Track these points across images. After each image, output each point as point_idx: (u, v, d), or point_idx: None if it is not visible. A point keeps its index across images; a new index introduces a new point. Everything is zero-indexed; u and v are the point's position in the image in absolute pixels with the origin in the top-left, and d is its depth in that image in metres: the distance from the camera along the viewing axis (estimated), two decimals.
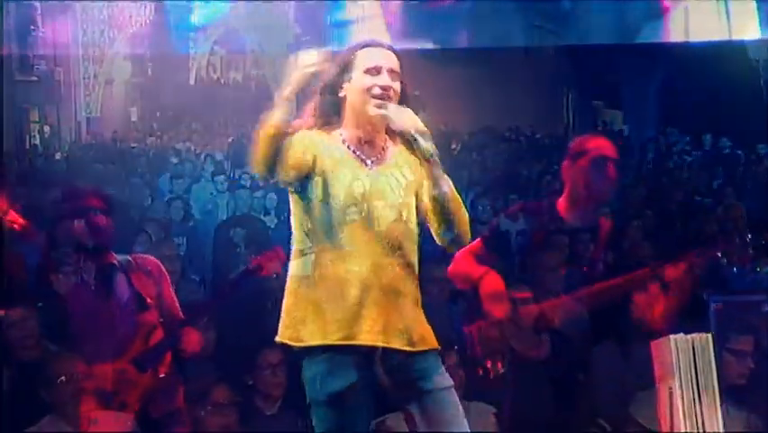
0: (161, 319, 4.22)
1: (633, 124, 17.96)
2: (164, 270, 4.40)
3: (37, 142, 21.12)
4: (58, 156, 16.35)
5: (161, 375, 4.10)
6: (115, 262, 4.25)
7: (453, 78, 18.73)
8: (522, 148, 16.41)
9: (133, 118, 24.05)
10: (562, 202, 4.17)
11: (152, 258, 4.48)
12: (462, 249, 4.19)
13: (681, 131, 15.49)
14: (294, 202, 3.20)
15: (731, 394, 4.10)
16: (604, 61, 17.58)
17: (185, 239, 7.98)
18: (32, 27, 18.58)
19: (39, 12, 18.27)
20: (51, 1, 17.92)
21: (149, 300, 4.20)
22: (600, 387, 4.55)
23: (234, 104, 23.47)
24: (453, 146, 17.19)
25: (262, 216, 8.73)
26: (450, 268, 4.30)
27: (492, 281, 4.05)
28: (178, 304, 4.34)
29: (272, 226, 8.37)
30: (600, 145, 4.15)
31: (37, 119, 22.52)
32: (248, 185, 9.81)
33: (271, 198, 9.33)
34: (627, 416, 4.27)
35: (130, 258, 4.33)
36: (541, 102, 19.90)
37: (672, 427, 3.21)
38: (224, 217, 9.17)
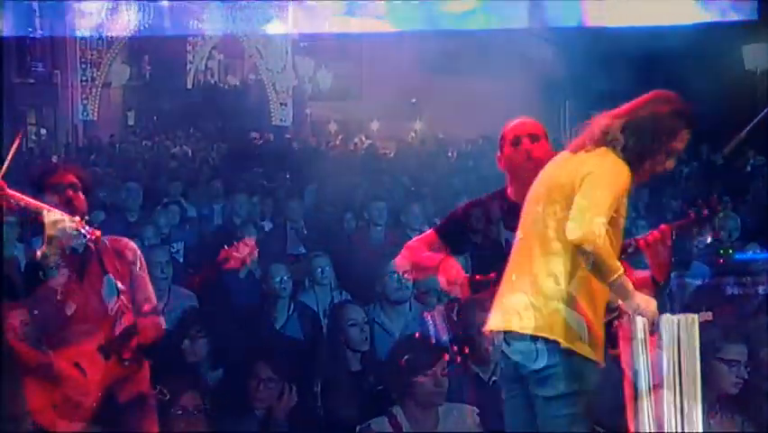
0: (131, 306, 4.14)
1: None
2: (140, 254, 4.30)
3: (33, 144, 21.13)
4: (54, 159, 16.34)
5: (125, 361, 4.05)
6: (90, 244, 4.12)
7: (451, 86, 18.77)
8: None
9: (130, 122, 24.06)
10: (509, 190, 4.24)
11: (128, 241, 4.37)
12: (413, 239, 4.34)
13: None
14: None
15: (724, 403, 4.11)
16: (602, 70, 17.61)
17: (182, 244, 7.98)
18: (30, 29, 18.58)
19: (37, 14, 18.28)
20: (50, 1, 17.91)
21: (120, 285, 4.12)
22: (596, 393, 4.57)
23: (232, 108, 23.51)
24: (450, 154, 17.24)
25: (259, 222, 8.72)
26: (400, 259, 4.30)
27: (451, 267, 4.12)
28: (151, 292, 4.25)
29: (267, 231, 8.36)
30: (515, 126, 4.23)
31: (34, 121, 22.54)
32: (245, 189, 9.81)
33: (267, 203, 9.33)
34: (624, 423, 4.29)
35: (105, 239, 4.21)
36: (538, 111, 19.89)
37: (655, 412, 3.23)
38: (220, 222, 9.18)
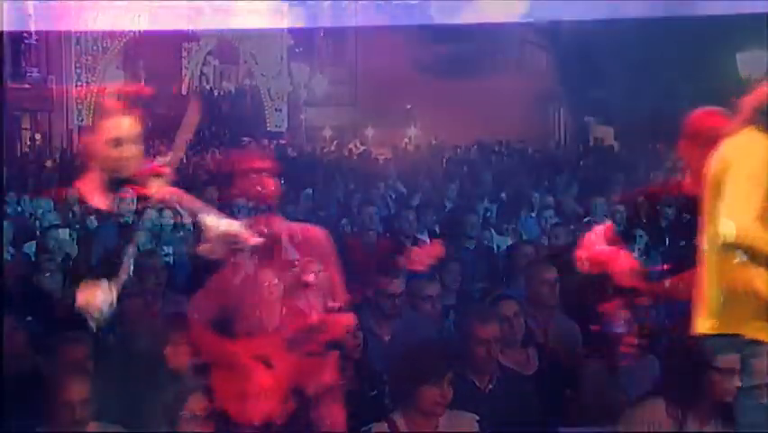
0: (320, 299, 4.09)
1: (624, 140, 18.02)
2: (330, 246, 4.23)
3: (28, 149, 21.08)
4: (49, 164, 16.30)
5: (312, 355, 3.99)
6: (280, 230, 4.13)
7: (445, 92, 18.81)
8: (513, 162, 16.47)
9: None
10: (689, 181, 4.25)
11: (320, 230, 4.32)
12: (590, 232, 4.32)
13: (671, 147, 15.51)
14: None
15: (719, 411, 4.11)
16: (595, 77, 17.65)
17: (171, 249, 7.97)
18: (26, 35, 18.55)
19: (33, 19, 18.26)
20: (47, 1, 17.90)
21: (310, 277, 4.07)
22: (588, 403, 4.56)
23: (227, 114, 23.49)
24: (443, 159, 17.26)
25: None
26: (578, 252, 4.28)
27: (626, 259, 4.15)
28: (340, 287, 4.20)
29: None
30: (696, 118, 4.20)
31: (28, 126, 22.50)
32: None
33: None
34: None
35: (297, 228, 4.22)
36: (532, 117, 19.97)
37: None
38: None
